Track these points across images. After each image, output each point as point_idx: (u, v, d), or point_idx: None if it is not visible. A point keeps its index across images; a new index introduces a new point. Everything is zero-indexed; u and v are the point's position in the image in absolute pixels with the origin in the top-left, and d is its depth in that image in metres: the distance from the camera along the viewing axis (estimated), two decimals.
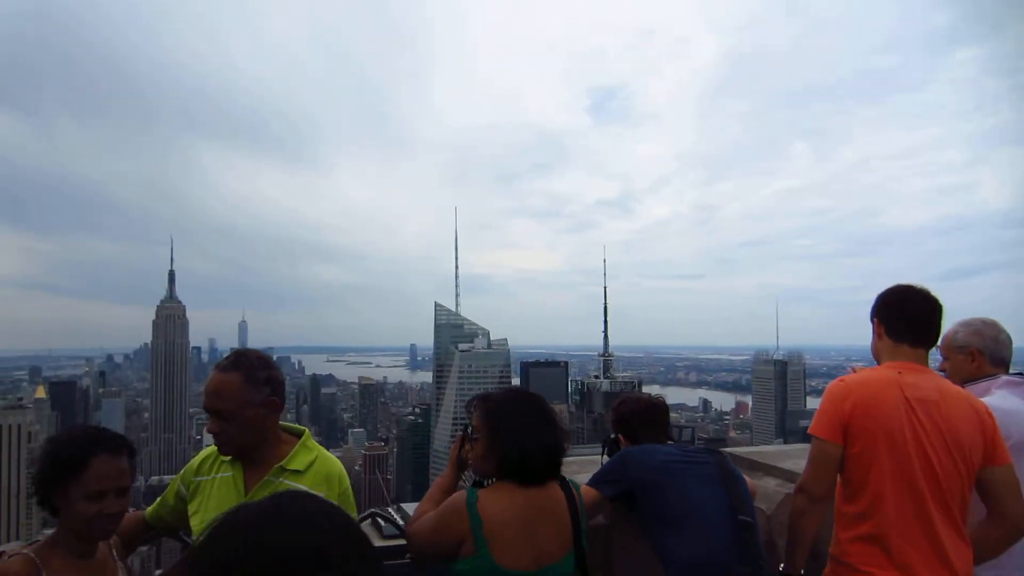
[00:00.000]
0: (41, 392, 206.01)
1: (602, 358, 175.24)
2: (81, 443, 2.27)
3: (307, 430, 2.84)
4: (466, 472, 2.74)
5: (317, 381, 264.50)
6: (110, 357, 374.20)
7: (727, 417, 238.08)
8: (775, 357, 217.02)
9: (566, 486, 2.43)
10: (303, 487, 2.54)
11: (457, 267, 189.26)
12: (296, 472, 2.60)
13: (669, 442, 3.19)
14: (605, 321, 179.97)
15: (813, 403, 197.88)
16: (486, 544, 2.20)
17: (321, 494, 2.25)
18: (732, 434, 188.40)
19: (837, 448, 2.58)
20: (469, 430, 2.60)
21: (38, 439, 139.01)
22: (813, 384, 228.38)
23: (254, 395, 2.54)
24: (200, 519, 2.64)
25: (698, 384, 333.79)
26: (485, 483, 2.45)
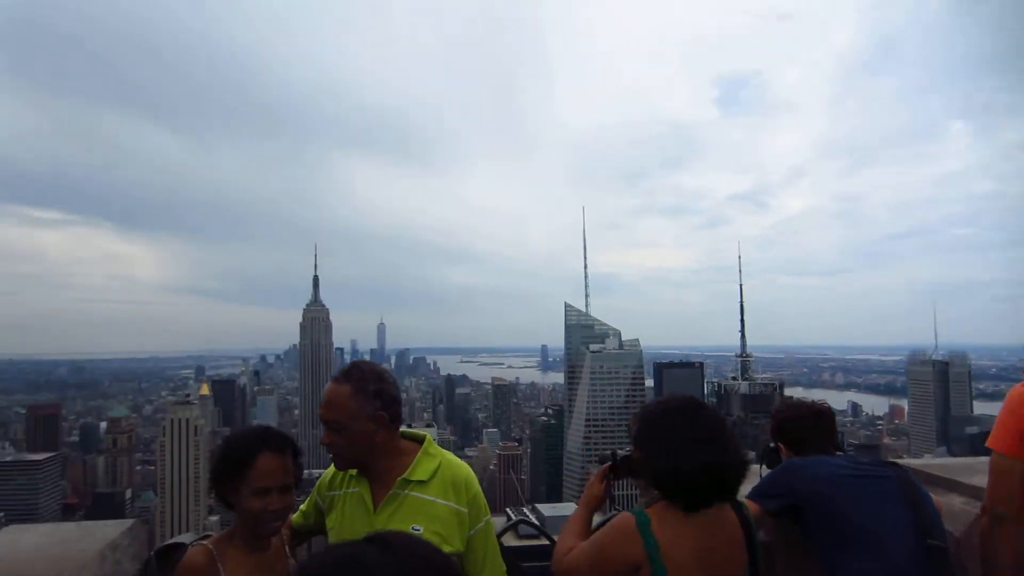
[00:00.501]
0: (205, 389, 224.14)
1: (740, 359, 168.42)
2: (248, 441, 2.45)
3: (428, 435, 2.77)
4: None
5: (452, 381, 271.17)
6: (263, 357, 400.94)
7: (880, 422, 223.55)
8: (933, 357, 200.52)
9: (736, 504, 2.24)
10: (429, 497, 2.53)
11: (586, 267, 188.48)
12: (421, 483, 2.56)
13: (838, 453, 2.92)
14: (742, 320, 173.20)
15: (981, 408, 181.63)
16: (665, 570, 2.04)
17: (450, 501, 2.57)
18: (886, 440, 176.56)
19: (1018, 463, 2.30)
20: (616, 458, 2.47)
21: (203, 432, 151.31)
22: (981, 387, 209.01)
23: (363, 408, 2.51)
24: (336, 535, 2.66)
25: (846, 386, 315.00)
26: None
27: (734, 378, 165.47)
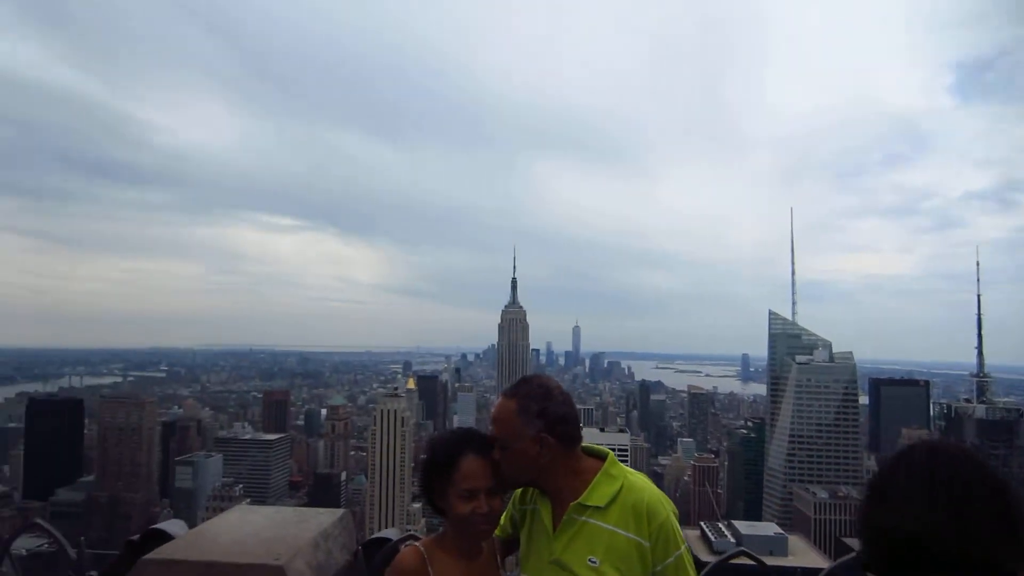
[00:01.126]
0: (411, 383, 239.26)
1: (976, 379, 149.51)
2: (451, 444, 2.41)
3: (611, 453, 2.56)
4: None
5: (646, 387, 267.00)
6: (464, 355, 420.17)
7: None
8: None
9: None
10: (607, 526, 2.37)
11: (793, 272, 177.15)
12: (598, 509, 2.38)
13: None
14: (979, 335, 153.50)
15: None
16: None
17: (630, 532, 2.39)
18: None
19: None
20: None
21: (409, 423, 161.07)
22: None
23: (525, 427, 2.38)
24: (524, 553, 2.63)
25: None
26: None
27: (968, 400, 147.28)
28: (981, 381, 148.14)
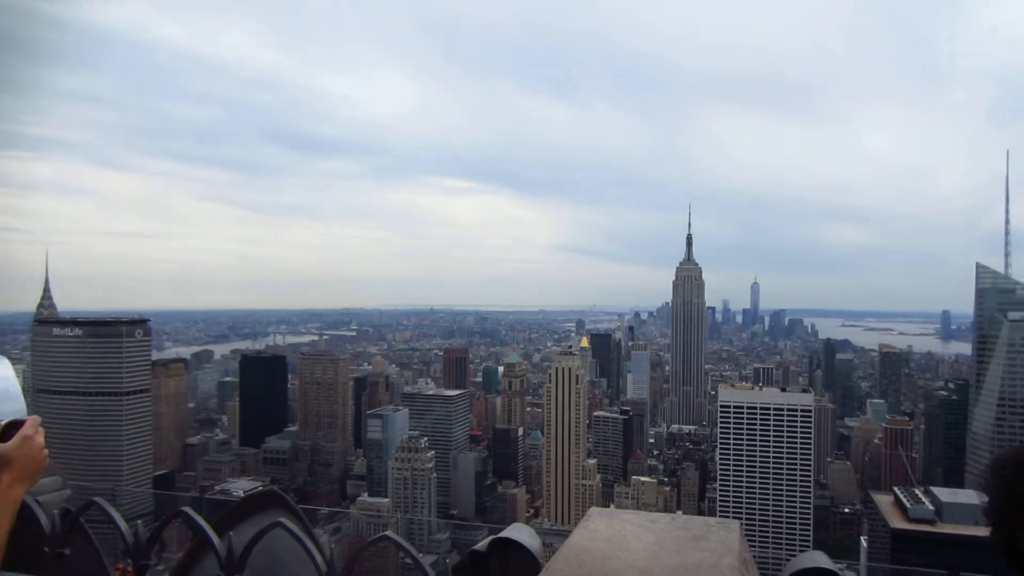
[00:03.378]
0: (585, 342, 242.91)
1: None
2: None
3: None
4: None
5: (832, 346, 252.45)
6: (637, 314, 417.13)
7: None
8: None
9: None
10: None
11: (1008, 222, 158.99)
12: None
13: None
14: None
15: None
16: None
17: None
18: None
19: None
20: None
21: (583, 381, 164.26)
22: None
23: None
24: None
25: None
26: None
27: None
28: None
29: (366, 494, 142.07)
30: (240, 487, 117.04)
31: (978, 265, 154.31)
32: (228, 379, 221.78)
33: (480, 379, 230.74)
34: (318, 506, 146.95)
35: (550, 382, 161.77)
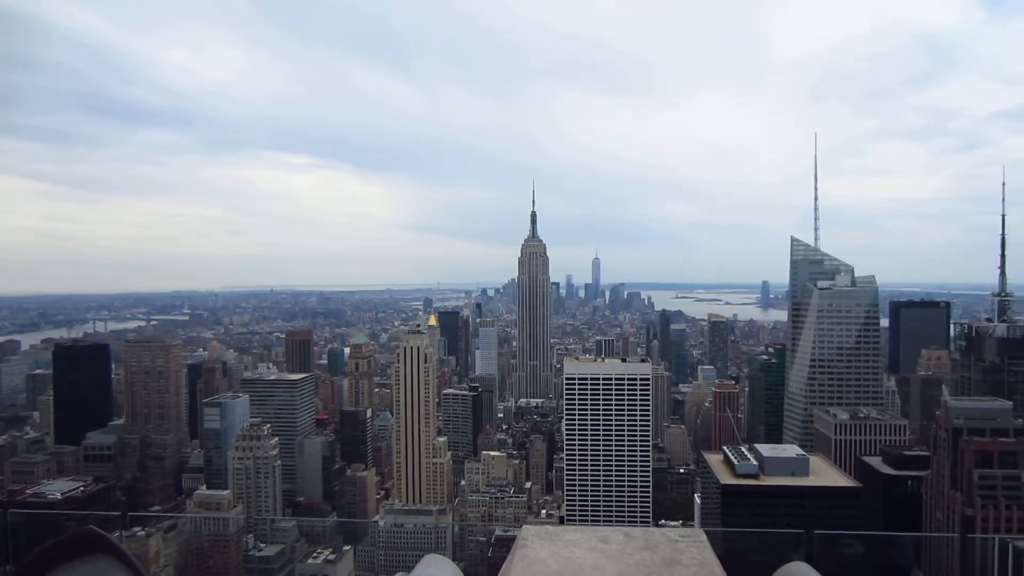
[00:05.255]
0: (433, 320, 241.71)
1: (997, 299, 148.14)
2: None
3: None
4: None
5: (666, 317, 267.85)
6: (484, 291, 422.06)
7: None
8: None
9: None
10: None
11: (816, 198, 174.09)
12: None
13: None
14: (1002, 255, 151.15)
15: None
16: None
17: None
18: None
19: None
20: None
21: (431, 360, 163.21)
22: None
23: None
24: None
25: None
26: None
27: (989, 320, 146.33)
28: (1003, 300, 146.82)
29: (204, 487, 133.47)
30: (57, 489, 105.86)
31: (792, 239, 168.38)
32: (39, 372, 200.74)
33: (325, 361, 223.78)
34: (150, 505, 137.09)
35: (398, 362, 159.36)
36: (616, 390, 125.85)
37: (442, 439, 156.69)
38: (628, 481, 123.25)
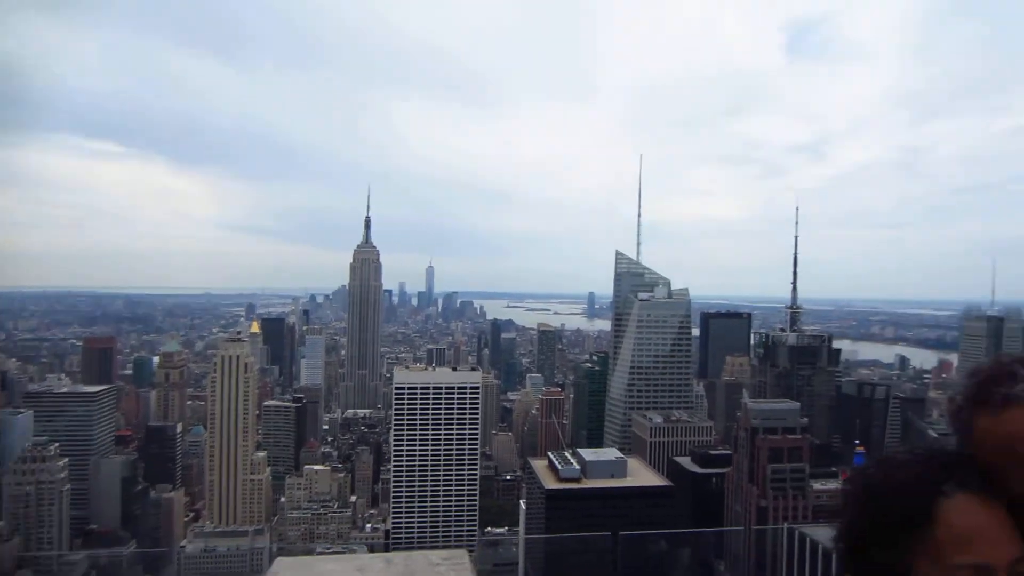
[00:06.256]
0: (255, 327, 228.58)
1: (789, 311, 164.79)
2: (919, 476, 1.36)
3: None
4: None
5: (497, 326, 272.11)
6: (313, 297, 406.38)
7: (927, 376, 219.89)
8: (989, 313, 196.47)
9: None
10: None
11: (640, 215, 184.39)
12: None
13: None
14: (794, 272, 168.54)
15: None
16: None
17: None
18: (933, 395, 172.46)
19: None
20: None
21: (252, 369, 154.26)
22: None
23: None
24: None
25: (895, 340, 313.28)
26: None
27: (782, 329, 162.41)
28: (794, 312, 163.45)
29: None
30: None
31: (617, 252, 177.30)
32: None
33: (130, 372, 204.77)
34: None
35: (215, 372, 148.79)
36: (446, 399, 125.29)
37: (261, 454, 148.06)
38: (455, 491, 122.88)
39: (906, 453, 1.39)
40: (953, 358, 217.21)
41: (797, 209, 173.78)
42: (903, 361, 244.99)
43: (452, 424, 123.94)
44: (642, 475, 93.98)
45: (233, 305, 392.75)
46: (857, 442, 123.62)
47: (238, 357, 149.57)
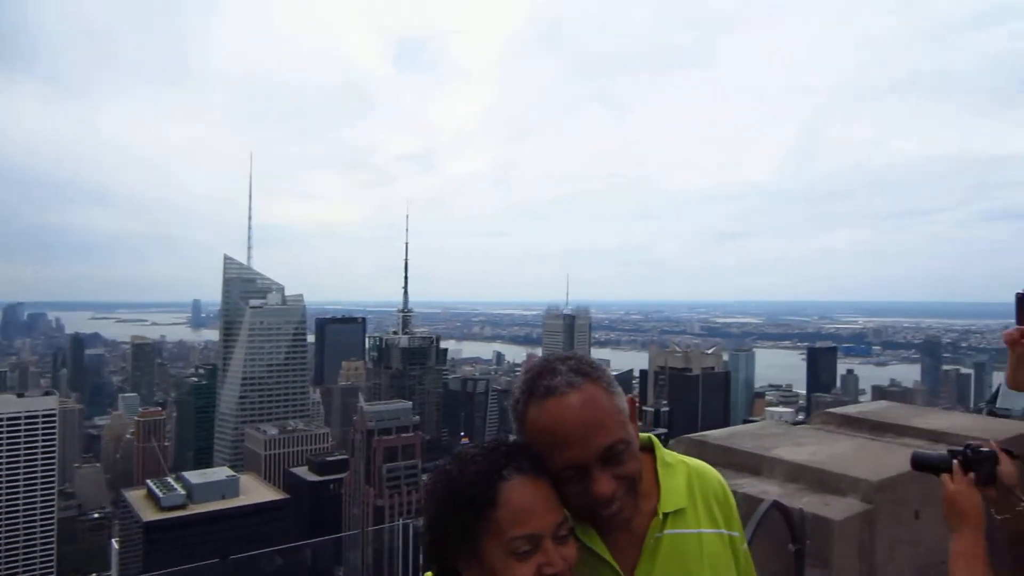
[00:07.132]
0: None
1: (401, 314, 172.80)
2: (483, 467, 1.42)
3: (653, 437, 1.74)
4: None
5: (80, 341, 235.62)
6: None
7: (518, 368, 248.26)
8: (564, 311, 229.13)
9: None
10: (691, 530, 1.62)
11: (250, 218, 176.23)
12: (679, 513, 1.61)
13: None
14: (406, 277, 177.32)
15: (596, 353, 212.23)
16: None
17: (719, 528, 1.65)
18: None
19: None
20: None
21: None
22: (596, 336, 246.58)
23: (626, 410, 1.54)
24: None
25: (493, 338, 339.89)
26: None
27: (395, 332, 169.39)
28: (405, 315, 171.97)
29: None
30: None
31: (225, 257, 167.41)
32: None
33: None
34: None
35: None
36: (10, 432, 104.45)
37: None
38: (25, 539, 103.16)
39: (476, 447, 1.51)
40: (538, 351, 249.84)
41: (407, 216, 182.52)
42: (499, 356, 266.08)
43: (18, 461, 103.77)
44: (256, 491, 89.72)
45: None
46: (463, 433, 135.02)
47: None
